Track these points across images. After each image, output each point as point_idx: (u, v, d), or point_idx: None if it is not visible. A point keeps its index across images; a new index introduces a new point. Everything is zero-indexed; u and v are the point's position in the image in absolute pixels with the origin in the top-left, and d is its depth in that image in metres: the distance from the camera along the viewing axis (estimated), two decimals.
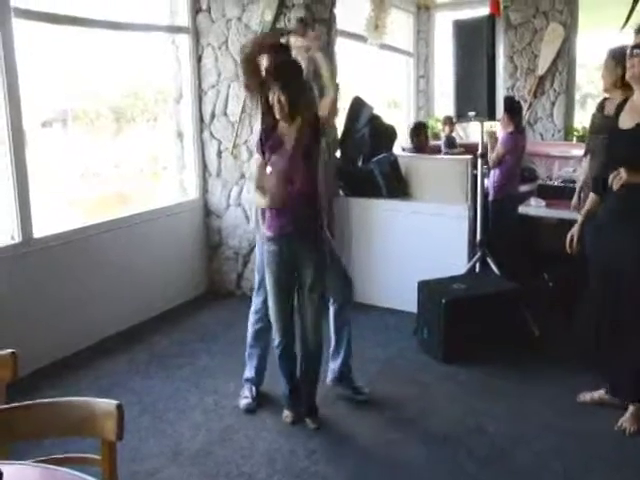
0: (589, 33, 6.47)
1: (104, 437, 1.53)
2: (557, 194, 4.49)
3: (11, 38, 3.28)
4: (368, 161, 4.50)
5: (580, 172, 4.09)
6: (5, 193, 3.38)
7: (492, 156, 4.34)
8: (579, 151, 5.18)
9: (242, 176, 4.56)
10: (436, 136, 6.58)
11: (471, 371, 3.39)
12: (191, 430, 2.87)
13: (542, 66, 6.47)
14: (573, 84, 6.57)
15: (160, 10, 4.44)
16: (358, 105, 4.71)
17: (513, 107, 4.43)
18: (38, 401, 1.60)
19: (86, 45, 3.99)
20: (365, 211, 4.38)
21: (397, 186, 4.35)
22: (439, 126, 6.62)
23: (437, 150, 5.88)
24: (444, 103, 7.07)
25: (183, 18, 4.51)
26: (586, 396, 3.03)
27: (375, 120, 4.71)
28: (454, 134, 6.28)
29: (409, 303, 3.89)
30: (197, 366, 3.52)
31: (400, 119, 6.93)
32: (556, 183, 4.81)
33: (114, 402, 1.52)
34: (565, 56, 6.38)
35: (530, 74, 6.54)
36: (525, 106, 6.25)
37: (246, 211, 4.56)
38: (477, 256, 3.96)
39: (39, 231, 3.50)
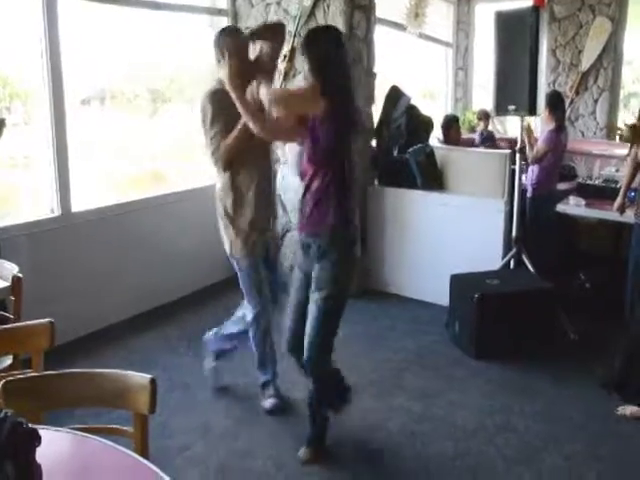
0: (638, 28, 6.25)
1: (137, 410, 1.54)
2: (598, 194, 4.38)
3: (56, 16, 3.32)
4: (404, 151, 4.43)
5: (623, 172, 3.97)
6: (46, 167, 3.44)
7: (532, 152, 4.23)
8: (622, 150, 5.03)
9: (277, 160, 4.54)
10: (473, 129, 6.47)
11: (502, 368, 3.34)
12: (220, 410, 2.89)
13: (586, 62, 6.28)
14: (618, 81, 6.37)
15: None
16: (395, 95, 4.64)
17: (556, 103, 4.30)
18: (75, 370, 1.62)
19: (126, 25, 4.02)
20: (399, 201, 4.33)
21: (433, 177, 4.27)
22: (475, 119, 6.51)
23: (470, 143, 5.77)
24: (482, 96, 6.94)
25: (222, 1, 4.51)
26: (626, 410, 2.90)
27: (412, 110, 4.65)
28: (490, 128, 6.16)
29: (441, 296, 3.84)
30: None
31: (437, 110, 6.83)
32: (597, 182, 4.68)
33: (148, 376, 1.53)
34: (611, 52, 6.17)
35: (573, 69, 6.36)
36: (566, 102, 6.09)
37: (280, 195, 4.54)
38: (512, 252, 3.88)
39: (77, 206, 3.56)
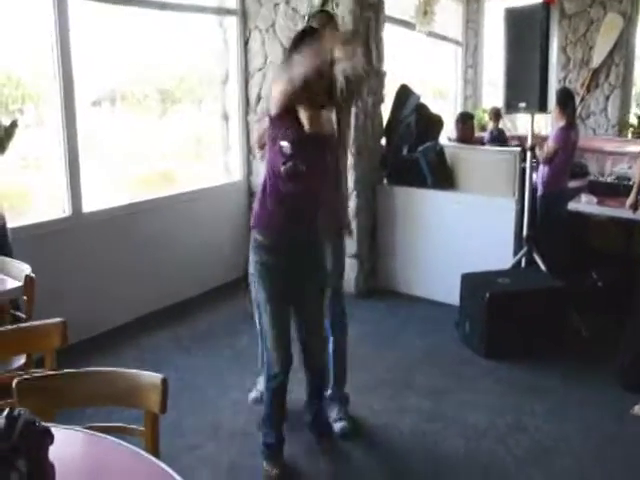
0: None
1: (148, 409, 1.54)
2: (610, 191, 4.34)
3: (66, 17, 3.35)
4: (414, 150, 4.42)
5: (636, 170, 3.92)
6: (58, 168, 3.47)
7: (542, 152, 4.20)
8: (634, 147, 4.99)
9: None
10: (483, 128, 6.43)
11: (513, 367, 3.32)
12: (230, 409, 2.90)
13: (597, 58, 6.23)
14: (630, 78, 6.31)
15: None
16: (405, 93, 4.63)
17: (567, 100, 4.26)
18: (87, 369, 1.62)
19: (135, 26, 4.04)
20: (409, 200, 4.32)
21: (443, 176, 4.26)
22: (486, 117, 6.47)
23: (480, 142, 5.74)
24: (492, 93, 6.91)
25: (231, 1, 4.52)
26: None
27: (421, 109, 4.63)
28: (501, 126, 6.12)
29: (452, 295, 3.82)
30: (238, 346, 3.56)
31: (447, 109, 6.80)
32: (609, 180, 4.64)
33: (159, 375, 1.54)
34: (623, 48, 6.12)
35: (584, 66, 6.31)
36: (577, 99, 6.04)
37: None
38: (523, 251, 3.85)
39: (87, 206, 3.58)
